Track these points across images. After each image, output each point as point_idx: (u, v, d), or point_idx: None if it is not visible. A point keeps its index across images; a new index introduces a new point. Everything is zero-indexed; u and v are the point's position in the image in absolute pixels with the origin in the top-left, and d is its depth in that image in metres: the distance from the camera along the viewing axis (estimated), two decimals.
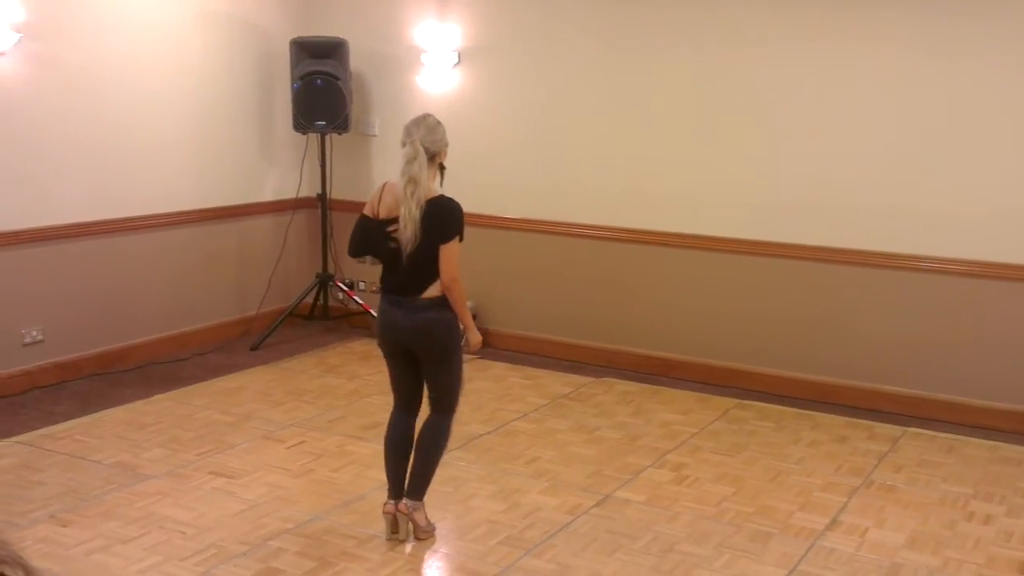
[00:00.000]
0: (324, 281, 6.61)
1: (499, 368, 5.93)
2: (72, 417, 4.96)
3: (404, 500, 3.70)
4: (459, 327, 3.66)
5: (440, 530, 3.82)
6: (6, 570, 1.21)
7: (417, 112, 6.30)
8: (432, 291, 3.58)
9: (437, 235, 3.53)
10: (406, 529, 3.72)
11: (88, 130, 5.49)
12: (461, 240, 3.59)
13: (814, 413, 5.27)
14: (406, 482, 3.72)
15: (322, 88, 6.19)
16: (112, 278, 5.72)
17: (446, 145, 3.67)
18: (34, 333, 5.36)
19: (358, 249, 3.75)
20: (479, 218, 6.04)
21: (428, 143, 3.56)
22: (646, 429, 4.98)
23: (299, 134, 6.45)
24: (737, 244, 5.59)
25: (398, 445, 3.76)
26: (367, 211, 3.68)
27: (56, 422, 4.89)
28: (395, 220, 3.55)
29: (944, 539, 3.86)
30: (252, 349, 6.21)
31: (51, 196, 5.35)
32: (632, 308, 5.95)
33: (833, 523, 3.98)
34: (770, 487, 4.32)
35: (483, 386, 5.59)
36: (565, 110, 5.99)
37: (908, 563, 3.66)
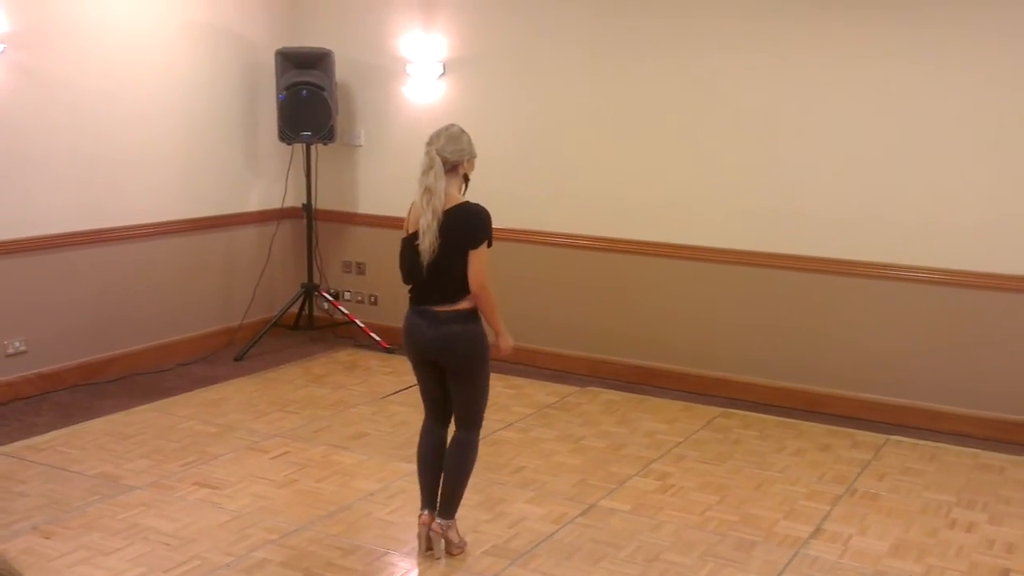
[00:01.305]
0: (309, 291, 6.60)
1: None
2: (54, 428, 4.94)
3: (436, 520, 3.65)
4: (486, 340, 3.58)
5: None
6: None
7: (402, 123, 6.40)
8: (459, 303, 3.51)
9: (463, 241, 3.46)
10: (440, 548, 3.68)
11: (73, 140, 5.48)
12: (490, 246, 3.53)
13: (798, 422, 5.29)
14: (438, 501, 3.68)
15: (307, 99, 6.19)
16: (96, 288, 5.70)
17: (472, 155, 3.57)
18: (17, 344, 5.33)
19: (408, 274, 3.60)
20: None
21: (448, 152, 3.48)
22: (631, 438, 4.99)
23: (284, 144, 6.45)
24: (721, 254, 5.62)
25: (429, 456, 3.71)
26: (404, 234, 3.61)
27: (38, 433, 4.87)
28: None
29: (927, 547, 3.88)
30: (236, 359, 6.20)
31: (35, 206, 5.33)
32: (616, 317, 5.97)
33: (817, 531, 4.00)
34: (754, 495, 4.33)
35: None
36: (550, 121, 6.02)
37: (891, 571, 3.68)
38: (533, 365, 6.16)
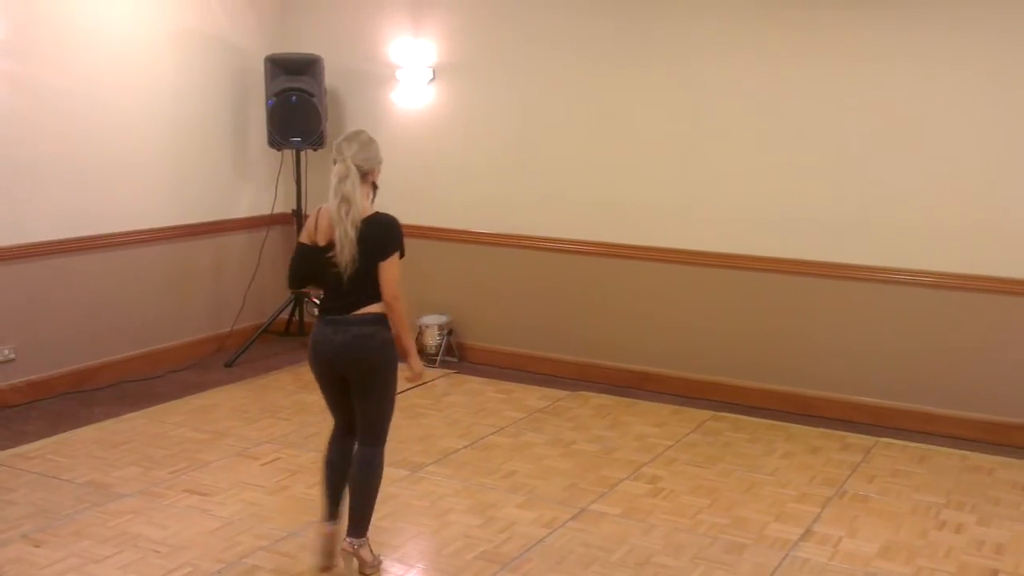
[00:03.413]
0: (299, 297, 6.59)
1: (474, 382, 5.93)
2: (44, 436, 4.92)
3: (348, 539, 3.54)
4: (394, 347, 3.50)
5: (416, 545, 3.82)
6: None
7: (391, 128, 6.38)
8: (370, 308, 3.45)
9: (376, 253, 3.40)
10: (352, 566, 3.57)
11: (61, 147, 5.46)
12: (402, 256, 3.48)
13: (788, 424, 5.31)
14: (347, 520, 3.56)
15: (297, 105, 6.19)
16: (85, 295, 5.68)
17: (380, 162, 3.50)
18: (5, 351, 5.31)
19: (299, 280, 3.59)
20: (454, 233, 6.06)
21: (360, 160, 3.40)
22: (622, 442, 5.00)
23: (274, 150, 6.45)
24: (711, 258, 5.63)
25: (337, 466, 3.63)
26: (304, 239, 3.51)
27: (27, 441, 4.84)
28: (334, 245, 3.38)
29: (916, 548, 3.90)
30: (227, 366, 6.18)
31: (24, 213, 5.31)
32: (607, 321, 5.98)
33: (807, 533, 4.01)
34: (744, 498, 4.34)
35: (459, 400, 5.60)
36: (539, 126, 6.02)
37: (881, 572, 3.69)
38: (523, 369, 6.16)
